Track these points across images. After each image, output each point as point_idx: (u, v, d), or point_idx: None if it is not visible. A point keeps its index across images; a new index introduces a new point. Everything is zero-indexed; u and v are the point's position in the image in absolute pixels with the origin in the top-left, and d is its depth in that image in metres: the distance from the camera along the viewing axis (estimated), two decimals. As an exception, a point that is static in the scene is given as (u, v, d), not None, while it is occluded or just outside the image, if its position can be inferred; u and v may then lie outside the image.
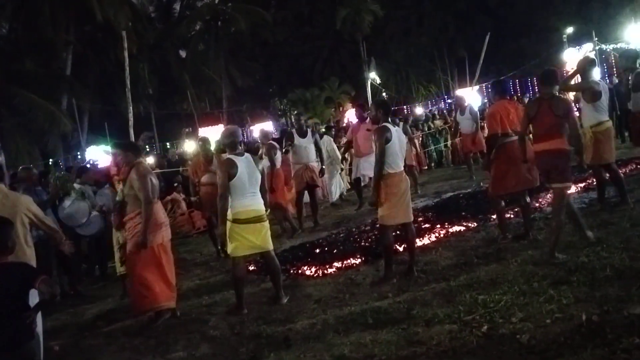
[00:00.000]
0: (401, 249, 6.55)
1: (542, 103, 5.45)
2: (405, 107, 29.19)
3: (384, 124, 5.56)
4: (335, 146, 12.37)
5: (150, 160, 12.35)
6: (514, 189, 6.19)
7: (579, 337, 3.48)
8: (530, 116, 5.50)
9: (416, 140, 15.95)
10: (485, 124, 9.30)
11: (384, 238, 5.77)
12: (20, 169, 7.61)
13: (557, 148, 5.27)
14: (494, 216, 7.50)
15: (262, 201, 5.44)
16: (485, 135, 9.27)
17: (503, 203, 6.38)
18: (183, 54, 32.27)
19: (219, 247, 8.19)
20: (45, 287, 3.48)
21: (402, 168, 5.65)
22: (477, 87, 21.10)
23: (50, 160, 20.98)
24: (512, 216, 7.26)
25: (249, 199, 5.32)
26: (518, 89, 26.86)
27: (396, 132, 5.59)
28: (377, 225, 8.24)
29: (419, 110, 21.90)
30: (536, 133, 5.53)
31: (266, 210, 5.54)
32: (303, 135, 9.18)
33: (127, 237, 5.73)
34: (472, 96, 20.06)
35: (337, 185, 12.15)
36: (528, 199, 6.39)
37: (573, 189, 8.46)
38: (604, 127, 6.66)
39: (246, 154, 5.50)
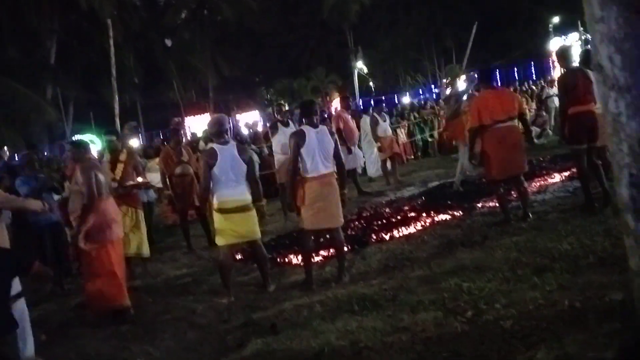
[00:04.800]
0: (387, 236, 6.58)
1: (577, 73, 6.08)
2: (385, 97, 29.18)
3: (302, 127, 5.50)
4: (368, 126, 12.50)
5: (135, 144, 12.24)
6: (504, 175, 6.32)
7: (562, 322, 3.53)
8: (570, 85, 5.98)
9: (403, 130, 16.06)
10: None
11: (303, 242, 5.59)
12: (21, 155, 7.69)
13: (595, 110, 5.92)
14: (480, 204, 7.62)
15: (246, 191, 5.44)
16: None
17: (502, 189, 6.50)
18: (169, 42, 31.98)
19: (189, 241, 8.24)
20: (42, 271, 3.54)
21: (324, 171, 5.39)
22: (463, 76, 21.14)
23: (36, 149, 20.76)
24: (497, 204, 7.34)
25: (231, 189, 5.34)
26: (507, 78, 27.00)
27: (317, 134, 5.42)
28: (362, 214, 8.34)
29: (406, 99, 21.95)
30: (577, 97, 5.99)
31: (259, 201, 5.55)
32: (286, 125, 9.15)
33: (77, 234, 5.49)
34: (459, 86, 20.11)
35: (375, 161, 12.47)
36: (525, 184, 6.54)
37: (558, 178, 8.62)
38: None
39: (231, 143, 5.49)
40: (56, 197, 7.21)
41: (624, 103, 1.92)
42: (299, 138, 5.37)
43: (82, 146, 5.77)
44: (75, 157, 5.70)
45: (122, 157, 6.81)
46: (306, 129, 5.41)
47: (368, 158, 12.54)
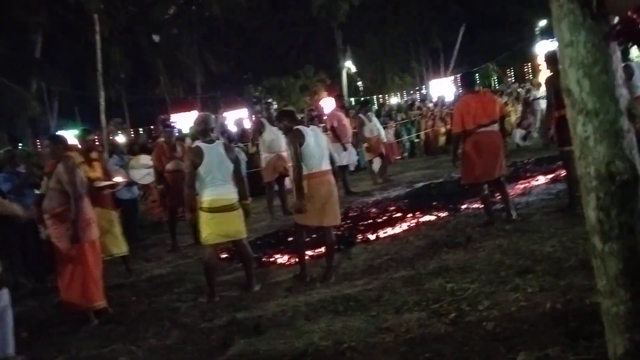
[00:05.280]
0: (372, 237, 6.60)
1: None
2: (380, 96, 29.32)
3: (298, 127, 5.49)
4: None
5: (121, 139, 12.18)
6: (480, 180, 6.40)
7: (543, 324, 3.57)
8: (558, 88, 6.01)
9: (390, 130, 16.11)
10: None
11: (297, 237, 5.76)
12: (2, 151, 7.56)
13: None
14: (464, 206, 7.68)
15: (233, 190, 5.42)
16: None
17: (486, 190, 6.56)
18: (156, 38, 31.71)
19: (174, 239, 8.20)
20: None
21: (322, 169, 5.49)
22: (451, 77, 21.36)
23: (20, 144, 20.52)
24: (482, 206, 7.40)
25: (217, 188, 5.30)
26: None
27: (312, 133, 5.51)
28: (348, 214, 8.35)
29: (394, 100, 22.03)
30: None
31: (245, 199, 5.53)
32: (273, 123, 9.12)
33: (53, 234, 5.34)
34: (446, 87, 20.27)
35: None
36: (507, 186, 6.64)
37: (542, 180, 8.71)
38: None
39: (217, 142, 5.48)
40: (37, 192, 7.14)
41: (591, 127, 1.96)
42: (298, 136, 5.36)
43: (61, 142, 5.57)
44: (53, 153, 5.46)
45: (95, 155, 6.68)
46: (302, 128, 5.43)
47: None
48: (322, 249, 6.51)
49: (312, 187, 5.37)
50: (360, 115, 11.80)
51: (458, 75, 22.83)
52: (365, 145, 11.60)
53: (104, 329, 5.06)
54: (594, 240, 2.00)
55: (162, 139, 8.82)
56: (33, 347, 4.88)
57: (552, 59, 6.55)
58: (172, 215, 8.38)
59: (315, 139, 5.44)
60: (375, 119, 11.99)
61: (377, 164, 11.95)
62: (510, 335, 3.52)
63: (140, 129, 26.95)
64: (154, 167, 8.39)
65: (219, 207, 5.30)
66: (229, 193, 5.38)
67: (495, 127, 6.37)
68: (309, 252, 6.47)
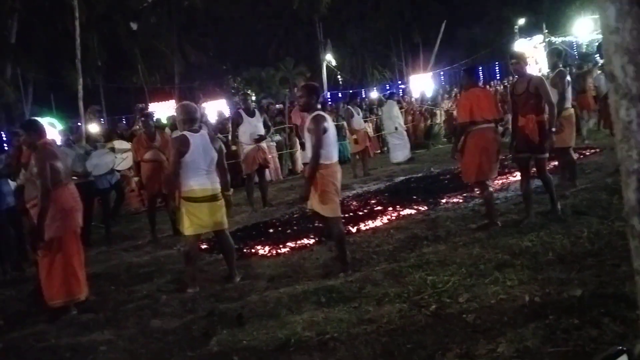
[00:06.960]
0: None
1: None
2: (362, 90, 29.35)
3: (319, 112, 5.22)
4: (399, 112, 13.44)
5: (95, 129, 12.02)
6: (491, 175, 6.22)
7: (522, 317, 3.63)
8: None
9: (370, 124, 16.17)
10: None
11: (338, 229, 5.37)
12: None
13: None
14: (444, 200, 7.76)
15: (217, 180, 5.40)
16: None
17: (490, 188, 6.34)
18: (134, 26, 31.30)
19: (154, 229, 8.10)
20: None
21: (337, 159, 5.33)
22: (431, 73, 21.52)
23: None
24: (461, 201, 7.49)
25: (202, 178, 5.27)
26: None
27: (330, 121, 5.29)
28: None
29: (374, 94, 22.07)
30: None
31: (227, 190, 5.50)
32: (251, 114, 9.08)
33: (39, 230, 5.07)
34: (426, 82, 20.41)
35: (401, 148, 13.04)
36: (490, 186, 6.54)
37: (519, 176, 8.82)
38: (567, 113, 7.03)
39: (202, 131, 5.44)
40: (12, 183, 6.99)
41: (634, 111, 2.01)
42: (324, 122, 5.06)
43: (34, 130, 5.18)
44: (27, 142, 5.20)
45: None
46: (323, 113, 5.19)
47: (392, 144, 12.99)
48: (304, 240, 6.56)
49: (335, 176, 5.14)
50: (349, 107, 11.84)
51: (438, 72, 23.03)
52: (353, 137, 11.63)
53: (83, 318, 4.99)
54: (633, 222, 2.05)
55: (137, 127, 8.71)
56: (10, 335, 4.82)
57: (523, 58, 6.63)
58: (151, 205, 8.31)
59: (332, 127, 5.23)
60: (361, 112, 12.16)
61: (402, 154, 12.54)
62: (490, 327, 3.57)
63: (117, 117, 26.61)
64: (132, 156, 8.32)
65: (202, 197, 5.26)
66: (212, 183, 5.35)
67: (493, 125, 6.34)
68: (290, 244, 6.52)
